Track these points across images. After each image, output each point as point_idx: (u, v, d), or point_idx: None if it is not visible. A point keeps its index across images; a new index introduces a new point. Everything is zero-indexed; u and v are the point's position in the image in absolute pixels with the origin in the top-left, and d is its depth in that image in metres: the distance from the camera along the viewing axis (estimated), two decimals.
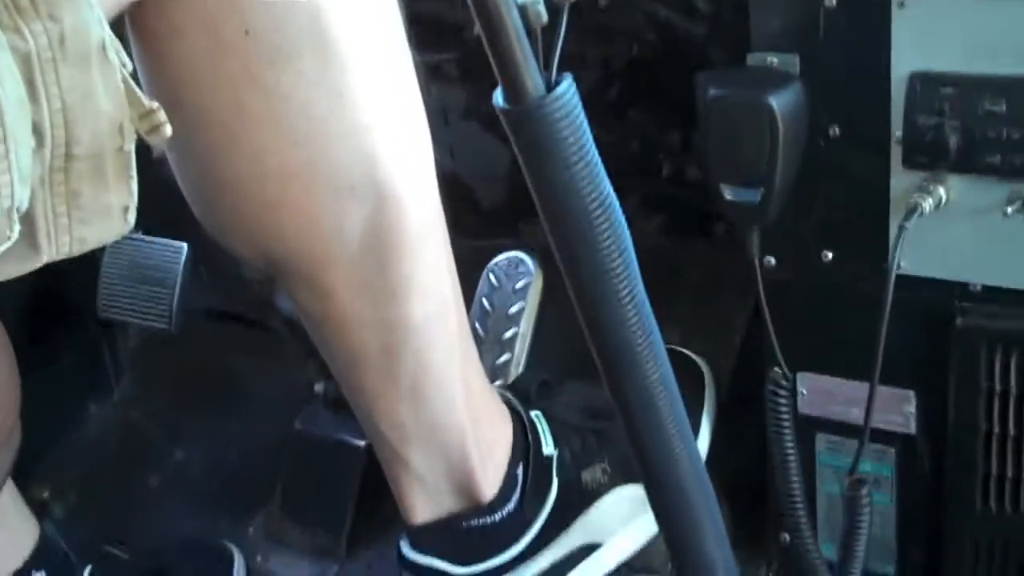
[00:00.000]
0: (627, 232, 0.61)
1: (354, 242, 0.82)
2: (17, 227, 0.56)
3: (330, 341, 0.89)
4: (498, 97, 0.59)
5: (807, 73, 0.89)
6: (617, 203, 0.61)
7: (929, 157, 0.85)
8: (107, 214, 0.60)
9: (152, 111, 0.59)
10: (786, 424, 0.94)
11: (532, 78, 0.56)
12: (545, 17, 0.56)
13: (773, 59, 0.90)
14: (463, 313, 0.93)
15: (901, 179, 0.87)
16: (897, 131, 0.86)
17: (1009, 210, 0.83)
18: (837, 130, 0.89)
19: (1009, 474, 0.89)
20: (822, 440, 0.98)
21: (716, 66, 1.06)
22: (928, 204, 0.85)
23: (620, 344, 0.63)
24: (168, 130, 0.60)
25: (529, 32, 0.56)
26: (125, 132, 0.59)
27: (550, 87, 0.57)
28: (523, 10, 0.55)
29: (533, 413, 1.01)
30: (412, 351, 0.88)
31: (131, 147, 0.59)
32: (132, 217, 0.61)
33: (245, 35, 0.73)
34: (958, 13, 0.82)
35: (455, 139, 0.90)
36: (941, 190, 0.85)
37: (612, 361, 0.64)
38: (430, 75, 1.06)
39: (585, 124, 0.58)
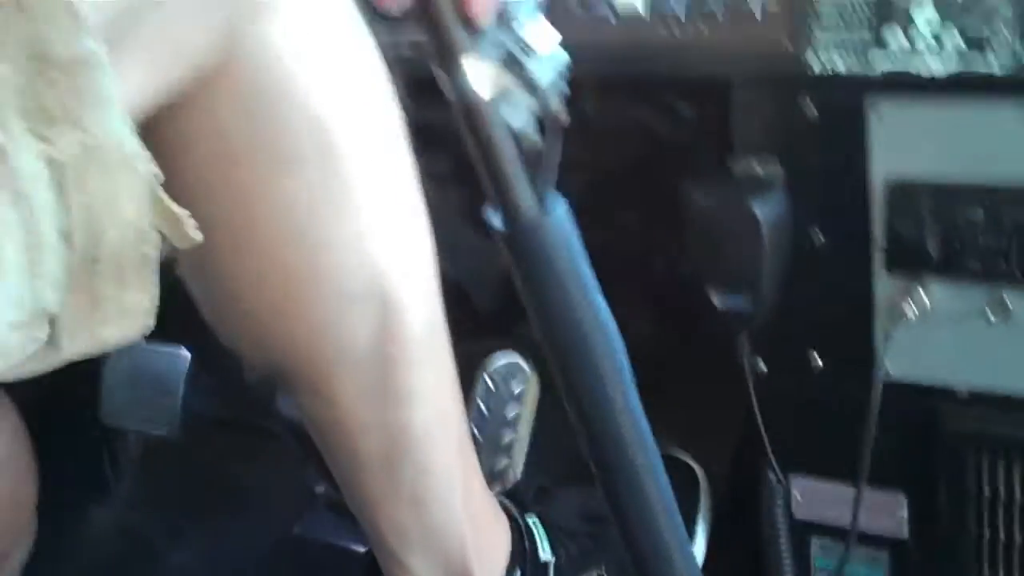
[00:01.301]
0: (622, 347, 0.63)
1: (358, 348, 0.83)
2: (47, 329, 0.58)
3: (333, 445, 0.90)
4: (493, 218, 0.61)
5: (790, 179, 0.91)
6: (611, 318, 0.63)
7: (911, 263, 0.87)
8: (127, 315, 0.61)
9: (180, 219, 0.61)
10: (780, 529, 0.94)
11: (526, 201, 0.59)
12: (540, 144, 0.59)
13: (756, 164, 0.92)
14: (464, 418, 0.93)
15: (885, 284, 0.89)
16: (879, 237, 0.88)
17: (991, 315, 0.85)
18: (821, 236, 0.91)
19: None
20: (816, 544, 0.99)
21: (701, 169, 1.08)
22: (912, 310, 0.86)
23: (616, 455, 0.64)
24: (198, 237, 0.61)
25: (522, 153, 0.58)
26: (148, 239, 0.60)
27: (544, 208, 0.59)
28: (517, 137, 0.58)
29: (530, 519, 1.02)
30: (414, 456, 0.88)
31: (154, 252, 0.61)
32: (152, 318, 0.62)
33: (254, 148, 0.75)
34: (933, 123, 0.85)
35: (449, 241, 0.92)
36: (924, 296, 0.87)
37: (608, 471, 0.65)
38: (425, 178, 1.08)
39: (578, 243, 0.61)
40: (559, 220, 0.59)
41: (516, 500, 1.03)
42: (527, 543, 0.99)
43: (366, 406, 0.86)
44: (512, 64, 0.57)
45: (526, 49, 0.57)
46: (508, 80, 0.57)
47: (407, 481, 0.90)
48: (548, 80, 0.58)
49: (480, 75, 0.56)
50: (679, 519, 0.70)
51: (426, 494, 0.91)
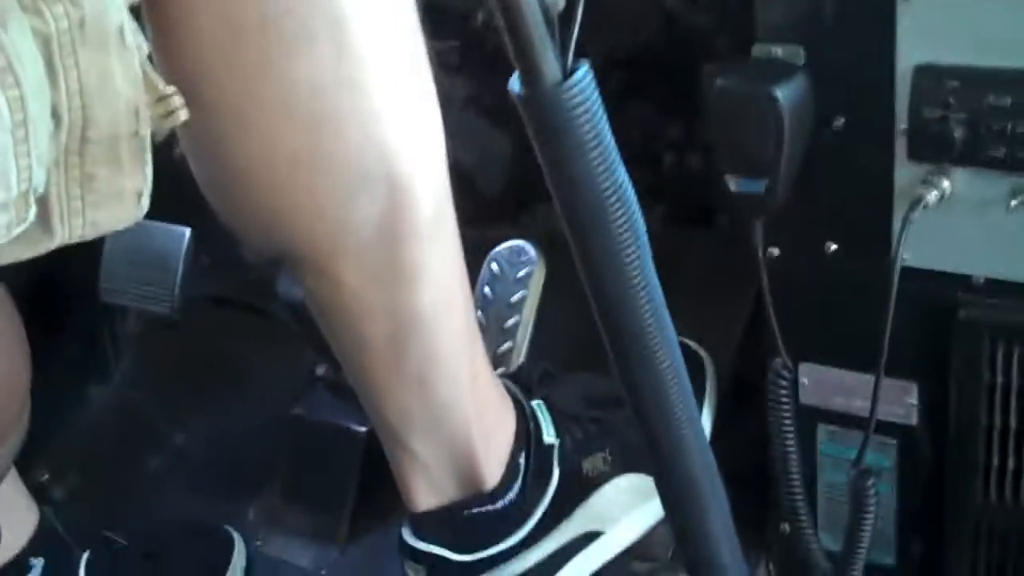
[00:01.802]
0: (641, 220, 0.61)
1: (364, 230, 0.82)
2: (33, 209, 0.57)
3: (338, 328, 0.89)
4: (514, 83, 0.59)
5: (812, 65, 0.89)
6: (632, 190, 0.61)
7: (934, 150, 0.85)
8: (120, 198, 0.60)
9: (168, 96, 0.60)
10: (787, 414, 0.94)
11: (549, 65, 0.56)
12: (562, 3, 0.56)
13: (778, 50, 0.90)
14: (470, 302, 0.93)
15: (905, 171, 0.87)
16: (902, 123, 0.86)
17: (1013, 204, 0.84)
18: (842, 122, 0.89)
19: (1010, 467, 0.89)
20: (823, 430, 0.99)
21: (721, 57, 1.06)
22: (932, 197, 0.85)
23: (632, 332, 0.63)
24: (183, 115, 0.60)
25: (546, 20, 0.56)
26: (141, 116, 0.59)
27: (567, 74, 0.58)
28: None
29: (534, 402, 1.02)
30: (420, 340, 0.88)
31: (147, 132, 0.60)
32: (146, 202, 0.61)
33: (261, 22, 0.73)
34: (963, 6, 0.83)
35: (456, 127, 0.90)
36: (945, 183, 0.86)
37: (624, 349, 0.64)
38: (431, 63, 1.06)
39: (601, 111, 0.59)
40: (583, 86, 0.57)
41: (521, 384, 1.03)
42: (532, 426, 0.99)
43: (373, 287, 0.85)
44: None
45: None
46: None
47: (413, 363, 0.89)
48: None
49: None
50: (692, 398, 0.69)
51: (432, 376, 0.91)
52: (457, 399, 0.93)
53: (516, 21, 0.56)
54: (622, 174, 0.61)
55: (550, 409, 1.01)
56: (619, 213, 0.60)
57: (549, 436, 1.00)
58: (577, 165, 0.58)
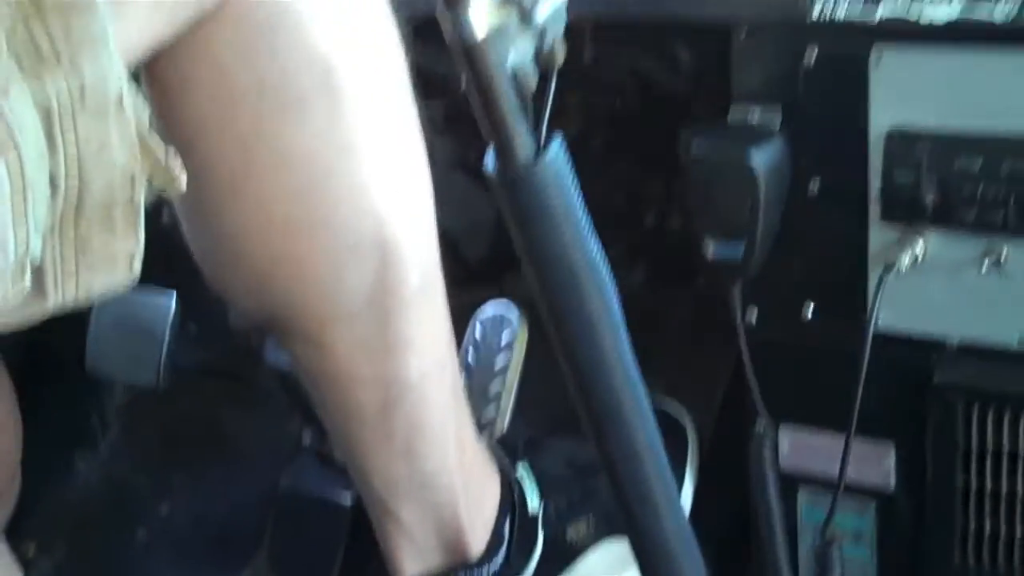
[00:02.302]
0: (615, 293, 0.62)
1: (355, 298, 0.82)
2: (29, 275, 0.57)
3: (326, 397, 0.89)
4: (488, 161, 0.60)
5: (788, 128, 0.90)
6: (604, 264, 0.62)
7: (907, 212, 0.86)
8: (114, 262, 0.61)
9: (166, 162, 0.60)
10: (768, 478, 0.94)
11: (522, 143, 0.57)
12: (535, 82, 0.57)
13: (755, 114, 0.92)
14: (458, 371, 0.93)
15: (880, 233, 0.88)
16: (875, 186, 0.87)
17: (985, 266, 0.85)
18: (817, 185, 0.91)
19: (987, 530, 0.89)
20: (804, 494, 0.99)
21: (699, 118, 1.07)
22: (906, 260, 0.86)
23: (607, 404, 0.64)
24: (184, 181, 0.61)
25: (519, 96, 0.57)
26: (136, 183, 0.59)
27: (539, 150, 0.58)
28: (514, 76, 0.57)
29: (519, 469, 1.02)
30: (408, 408, 0.88)
31: (141, 198, 0.60)
32: (138, 266, 0.61)
33: (257, 89, 0.73)
34: (934, 70, 0.84)
35: (441, 190, 0.91)
36: (919, 245, 0.87)
37: (598, 420, 0.65)
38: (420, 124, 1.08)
39: (573, 186, 0.59)
40: (555, 162, 0.58)
41: (505, 450, 1.03)
42: (516, 493, 0.99)
43: (362, 357, 0.85)
44: (511, 0, 0.56)
45: None
46: (506, 16, 0.56)
47: (400, 432, 0.89)
48: (546, 17, 0.57)
49: (479, 11, 0.55)
50: (668, 468, 0.69)
51: (419, 444, 0.90)
52: (443, 467, 0.92)
53: (489, 101, 0.57)
54: (594, 248, 0.61)
55: (534, 475, 1.01)
56: (591, 287, 0.61)
57: (533, 503, 1.00)
58: (549, 241, 0.59)
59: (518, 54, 0.56)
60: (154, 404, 1.38)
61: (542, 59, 0.57)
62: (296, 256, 0.80)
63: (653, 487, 0.67)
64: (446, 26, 0.56)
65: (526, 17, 0.56)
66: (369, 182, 0.79)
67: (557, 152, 0.59)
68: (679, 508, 0.70)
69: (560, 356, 0.63)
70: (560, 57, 0.58)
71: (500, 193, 0.60)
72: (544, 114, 0.59)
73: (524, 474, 1.01)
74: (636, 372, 0.65)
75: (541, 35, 0.57)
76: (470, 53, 0.55)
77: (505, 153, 0.58)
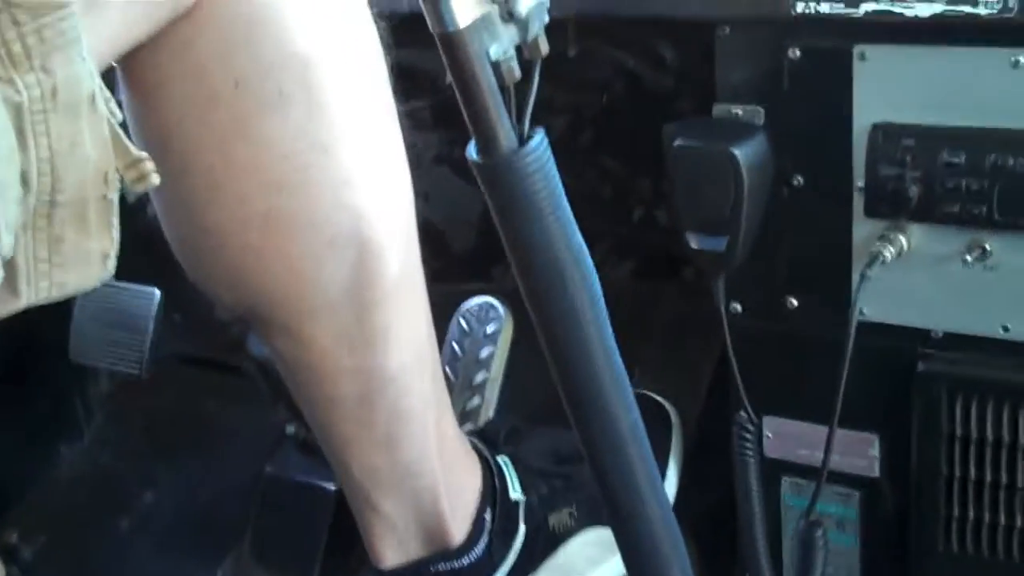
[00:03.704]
0: (597, 282, 0.62)
1: (334, 292, 0.82)
2: (1, 274, 0.57)
3: (306, 388, 0.89)
4: (471, 150, 0.60)
5: (771, 124, 0.91)
6: (587, 254, 0.62)
7: (890, 206, 0.87)
8: (87, 260, 0.61)
9: (140, 160, 0.60)
10: (752, 467, 0.95)
11: (505, 133, 0.58)
12: (519, 73, 0.58)
13: (738, 110, 0.92)
14: (438, 361, 0.94)
15: (863, 227, 0.89)
16: (859, 181, 0.88)
17: (968, 258, 0.85)
18: (801, 179, 0.91)
19: (971, 517, 0.90)
20: (787, 483, 0.99)
21: (683, 115, 1.08)
22: (889, 252, 0.87)
23: (590, 393, 0.64)
24: (155, 179, 0.61)
25: (502, 88, 0.57)
26: (109, 181, 0.59)
27: (523, 141, 0.59)
28: (496, 67, 0.57)
29: (500, 459, 1.02)
30: (388, 399, 0.88)
31: (115, 195, 0.60)
32: (112, 264, 0.61)
33: (235, 86, 0.74)
34: (918, 65, 0.85)
35: (427, 184, 0.92)
36: (902, 238, 0.87)
37: (582, 409, 0.65)
38: (401, 121, 1.07)
39: (556, 177, 0.60)
40: (537, 152, 0.59)
41: (487, 440, 1.03)
42: (497, 483, 0.99)
43: (342, 349, 0.85)
44: None
45: None
46: (489, 7, 0.56)
47: (381, 423, 0.90)
48: (530, 8, 0.57)
49: (461, 3, 0.55)
50: (651, 456, 0.70)
51: (399, 434, 0.91)
52: (424, 457, 0.93)
53: (471, 91, 0.57)
54: (578, 238, 0.62)
55: (516, 465, 1.02)
56: (575, 277, 0.61)
57: (515, 493, 1.00)
58: (533, 230, 0.59)
59: (501, 45, 0.57)
60: (138, 393, 1.38)
61: (526, 51, 0.58)
62: (275, 251, 0.80)
63: (637, 477, 0.67)
64: (427, 14, 0.56)
65: (509, 8, 0.56)
66: (348, 177, 0.79)
67: (540, 142, 0.59)
68: (663, 495, 0.70)
69: (543, 344, 0.64)
70: (543, 48, 0.58)
71: (483, 182, 0.60)
72: (527, 105, 0.59)
73: (506, 464, 1.01)
74: (619, 360, 0.65)
75: (524, 27, 0.58)
76: (450, 41, 0.56)
77: (487, 142, 0.58)
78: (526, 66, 0.58)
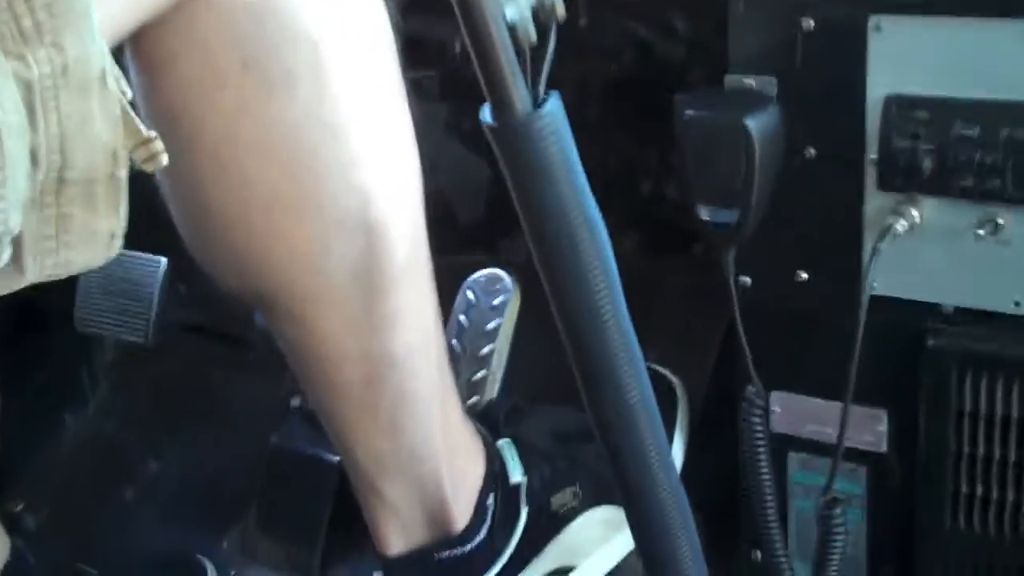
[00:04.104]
0: (610, 250, 0.62)
1: (340, 275, 0.81)
2: (9, 251, 0.57)
3: (311, 372, 0.89)
4: (485, 113, 0.59)
5: (784, 95, 0.90)
6: (601, 221, 0.62)
7: (903, 179, 0.86)
8: (94, 239, 0.60)
9: (149, 140, 0.60)
10: (759, 442, 0.95)
11: (520, 95, 0.57)
12: (534, 36, 0.57)
13: (751, 81, 0.91)
14: (443, 344, 0.93)
15: (875, 201, 0.88)
16: (872, 153, 0.87)
17: (981, 233, 0.85)
18: (813, 151, 0.91)
19: (979, 493, 0.90)
20: (794, 458, 0.99)
21: (694, 86, 1.07)
22: (901, 226, 0.86)
23: (602, 363, 0.64)
24: (164, 159, 0.60)
25: (518, 51, 0.57)
26: (119, 159, 0.59)
27: (537, 104, 0.58)
28: (512, 29, 0.56)
29: (501, 441, 1.01)
30: (393, 383, 0.88)
31: (124, 174, 0.59)
32: (119, 243, 0.61)
33: (242, 66, 0.73)
34: (933, 38, 0.84)
35: (434, 155, 0.91)
36: (915, 212, 0.87)
37: (593, 380, 0.65)
38: (410, 91, 1.07)
39: (571, 142, 0.59)
40: (553, 115, 0.58)
41: (488, 422, 1.03)
42: (498, 466, 0.99)
43: (347, 333, 0.85)
44: None
45: None
46: None
47: (385, 408, 0.89)
48: None
49: None
50: (663, 432, 0.69)
51: (404, 419, 0.91)
52: (428, 442, 0.92)
53: (486, 52, 0.57)
54: (591, 204, 0.61)
55: (518, 446, 1.01)
56: (588, 242, 0.61)
57: (516, 475, 1.00)
58: (546, 195, 0.59)
59: (517, 7, 0.56)
60: (144, 362, 1.38)
61: (542, 14, 0.57)
62: (281, 233, 0.79)
63: (647, 451, 0.67)
64: None
65: None
66: (356, 158, 0.79)
67: (555, 105, 0.59)
68: (673, 470, 0.70)
69: (555, 313, 0.63)
70: (560, 12, 0.58)
71: (497, 144, 0.59)
72: (542, 68, 0.58)
73: (506, 447, 1.01)
74: (631, 331, 0.65)
75: None
76: (466, 2, 0.55)
77: (502, 104, 0.58)
78: (541, 29, 0.57)
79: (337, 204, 0.79)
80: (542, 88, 0.59)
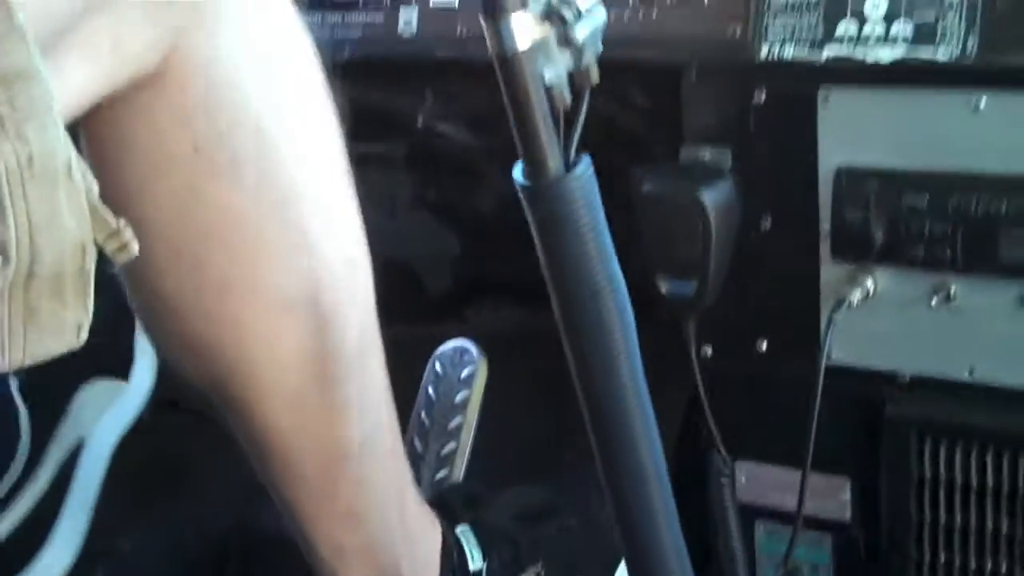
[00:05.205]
0: (631, 315, 0.63)
1: (291, 361, 0.81)
2: None
3: (267, 462, 0.87)
4: (518, 173, 0.60)
5: (739, 166, 0.92)
6: (624, 285, 0.62)
7: (856, 250, 0.88)
8: (61, 330, 0.60)
9: (119, 230, 0.59)
10: (727, 511, 0.95)
11: (554, 157, 0.58)
12: (569, 99, 0.58)
13: (705, 152, 0.93)
14: (397, 431, 0.92)
15: (830, 271, 0.90)
16: (826, 224, 0.89)
17: (934, 301, 0.86)
18: (768, 222, 0.92)
19: (942, 560, 0.90)
20: (761, 528, 1.00)
21: (653, 157, 1.09)
22: (856, 296, 0.87)
23: (617, 424, 0.64)
24: (135, 248, 0.60)
25: (553, 113, 0.57)
26: (87, 252, 0.59)
27: (569, 167, 0.59)
28: (549, 91, 0.57)
29: (459, 529, 1.00)
30: (349, 472, 0.87)
31: (91, 266, 0.59)
32: (85, 334, 0.60)
33: (193, 149, 0.73)
34: (881, 109, 0.86)
35: (402, 227, 0.90)
36: (869, 282, 0.88)
37: (608, 440, 0.65)
38: (376, 164, 1.06)
39: (599, 205, 0.60)
40: (584, 178, 0.59)
41: (446, 509, 1.01)
42: (456, 555, 0.98)
43: (301, 422, 0.84)
44: (552, 17, 0.56)
45: (568, 3, 0.57)
46: (547, 32, 0.57)
47: (343, 497, 0.88)
48: (586, 36, 0.58)
49: (521, 23, 0.55)
50: (672, 497, 0.69)
51: (362, 509, 0.90)
52: (387, 530, 0.91)
53: (524, 113, 0.57)
54: (616, 267, 0.62)
55: (478, 530, 1.00)
56: (612, 305, 0.61)
57: (475, 563, 0.98)
58: (575, 255, 0.59)
59: (555, 70, 0.57)
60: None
61: (577, 77, 0.58)
62: (232, 318, 0.79)
63: (658, 517, 0.67)
64: (487, 35, 0.56)
65: (566, 34, 0.57)
66: (303, 245, 0.79)
67: (586, 168, 0.60)
68: (680, 539, 0.70)
69: (575, 374, 0.63)
70: (594, 76, 0.59)
71: (529, 204, 0.60)
72: (575, 131, 0.59)
73: (464, 535, 1.00)
74: (647, 397, 0.65)
75: (579, 53, 0.58)
76: (508, 64, 0.56)
77: (536, 165, 0.58)
78: (576, 92, 0.58)
79: (286, 289, 0.79)
80: (574, 150, 0.59)
